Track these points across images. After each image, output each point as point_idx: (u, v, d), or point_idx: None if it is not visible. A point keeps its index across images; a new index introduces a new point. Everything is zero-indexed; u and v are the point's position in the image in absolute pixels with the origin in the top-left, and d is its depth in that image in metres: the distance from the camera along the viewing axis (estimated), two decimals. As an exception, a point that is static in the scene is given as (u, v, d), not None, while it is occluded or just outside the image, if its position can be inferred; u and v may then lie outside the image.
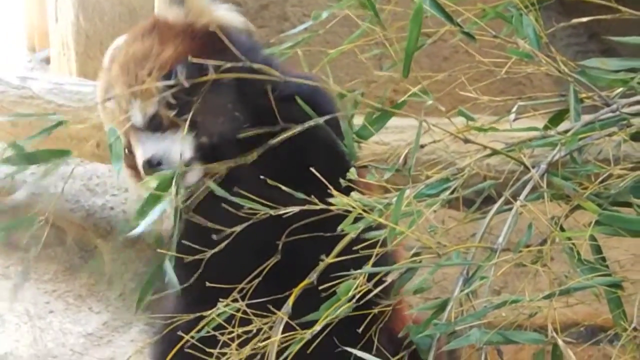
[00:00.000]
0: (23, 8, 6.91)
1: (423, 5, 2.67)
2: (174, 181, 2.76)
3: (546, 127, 2.86)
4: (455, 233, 3.50)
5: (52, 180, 5.08)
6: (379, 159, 2.92)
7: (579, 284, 2.43)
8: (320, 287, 2.59)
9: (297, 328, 2.54)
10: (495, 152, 2.72)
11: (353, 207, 2.55)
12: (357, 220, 2.58)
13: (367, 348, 2.55)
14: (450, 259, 2.57)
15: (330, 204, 2.57)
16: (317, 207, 2.60)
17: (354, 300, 2.53)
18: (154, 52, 2.90)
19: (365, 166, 2.88)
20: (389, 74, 2.85)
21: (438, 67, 4.81)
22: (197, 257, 2.72)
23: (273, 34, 3.19)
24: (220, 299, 2.64)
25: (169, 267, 2.69)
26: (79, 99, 4.90)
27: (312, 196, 2.61)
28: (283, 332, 2.55)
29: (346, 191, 2.61)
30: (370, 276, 2.54)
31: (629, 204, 2.57)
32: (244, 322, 2.60)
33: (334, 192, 2.57)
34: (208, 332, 2.61)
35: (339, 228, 2.60)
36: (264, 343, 2.54)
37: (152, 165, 2.85)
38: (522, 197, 2.61)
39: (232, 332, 2.57)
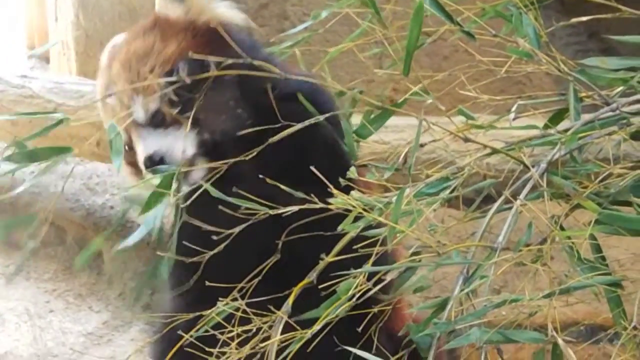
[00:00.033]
0: (23, 7, 6.91)
1: (423, 4, 2.67)
2: (174, 179, 2.77)
3: (546, 126, 2.86)
4: (455, 232, 3.50)
5: (52, 179, 5.09)
6: (378, 158, 2.92)
7: (578, 283, 2.43)
8: (320, 286, 2.59)
9: (297, 327, 2.54)
10: (495, 151, 2.72)
11: (353, 206, 2.55)
12: (357, 219, 2.58)
13: (366, 347, 2.55)
14: (450, 258, 2.57)
15: (331, 203, 2.57)
16: (317, 207, 2.60)
17: (354, 300, 2.53)
18: (155, 49, 2.90)
19: (365, 165, 2.88)
20: (389, 72, 2.85)
21: (438, 66, 4.81)
22: (196, 258, 2.72)
23: (273, 33, 3.19)
24: (220, 298, 2.64)
25: (164, 268, 2.69)
26: (79, 98, 4.90)
27: (313, 194, 2.61)
28: (283, 332, 2.55)
29: (346, 190, 2.61)
30: (370, 275, 2.54)
31: (628, 203, 2.57)
32: (244, 321, 2.60)
33: (334, 192, 2.57)
34: (207, 331, 2.61)
35: (339, 227, 2.60)
36: (264, 344, 2.54)
37: (154, 161, 2.85)
38: (522, 196, 2.61)
39: (232, 331, 2.57)
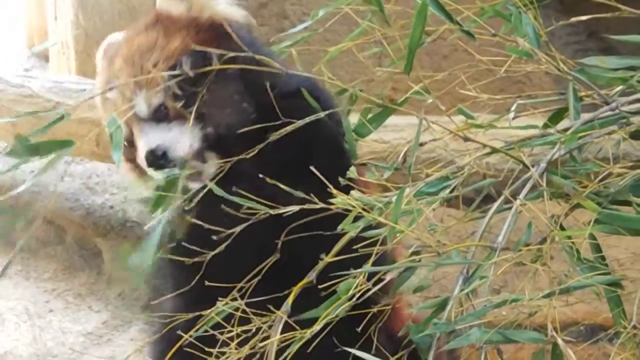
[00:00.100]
0: (22, 7, 6.90)
1: (427, 2, 2.67)
2: (181, 178, 2.77)
3: (546, 126, 2.86)
4: (454, 232, 3.50)
5: (52, 178, 5.10)
6: (378, 158, 2.92)
7: (578, 283, 2.43)
8: (320, 287, 2.59)
9: (297, 327, 2.54)
10: (494, 151, 2.72)
11: (353, 206, 2.54)
12: (356, 219, 2.58)
13: (366, 347, 2.55)
14: (449, 257, 2.57)
15: (331, 202, 2.57)
16: (318, 206, 2.60)
17: (354, 300, 2.53)
18: (158, 44, 2.90)
19: (364, 164, 2.88)
20: (389, 70, 2.85)
21: (437, 65, 4.81)
22: (197, 258, 2.71)
23: (273, 32, 3.19)
24: (220, 298, 2.64)
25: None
26: (78, 97, 4.90)
27: (316, 190, 2.60)
28: (282, 332, 2.55)
29: (348, 188, 2.61)
30: (370, 275, 2.54)
31: (628, 203, 2.57)
32: (244, 321, 2.60)
33: (334, 192, 2.57)
34: (207, 331, 2.61)
35: (339, 227, 2.60)
36: (263, 343, 2.54)
37: (156, 156, 2.85)
38: (521, 195, 2.61)
39: (232, 331, 2.57)
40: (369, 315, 2.62)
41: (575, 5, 3.12)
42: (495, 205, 2.64)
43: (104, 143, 4.47)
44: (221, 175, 2.81)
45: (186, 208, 2.78)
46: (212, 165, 2.86)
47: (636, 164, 2.64)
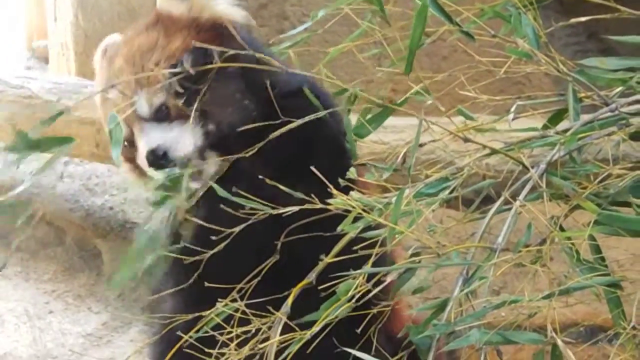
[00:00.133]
0: (22, 8, 6.90)
1: (427, 3, 2.67)
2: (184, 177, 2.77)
3: (545, 127, 2.86)
4: (454, 233, 3.50)
5: (52, 180, 5.10)
6: (377, 158, 2.93)
7: (578, 284, 2.43)
8: (320, 287, 2.59)
9: (296, 328, 2.53)
10: (494, 152, 2.72)
11: (353, 207, 2.54)
12: (356, 219, 2.57)
13: (365, 348, 2.55)
14: (449, 258, 2.57)
15: (333, 200, 2.57)
16: (317, 206, 2.60)
17: (353, 301, 2.53)
18: (159, 44, 2.91)
19: (363, 164, 2.88)
20: (389, 70, 2.85)
21: (437, 66, 4.81)
22: (196, 257, 2.71)
23: (272, 33, 3.19)
24: (219, 299, 2.64)
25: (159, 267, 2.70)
26: (78, 98, 4.90)
27: (317, 190, 2.60)
28: (282, 333, 2.55)
29: (349, 187, 2.61)
30: (370, 276, 2.54)
31: (628, 204, 2.57)
32: (243, 322, 2.60)
33: (334, 192, 2.56)
34: (207, 332, 2.61)
35: (339, 228, 2.60)
36: (263, 344, 2.54)
37: (157, 156, 2.84)
38: (521, 197, 2.60)
39: (231, 332, 2.57)
40: (369, 317, 2.62)
41: (575, 6, 3.12)
42: (495, 206, 2.64)
43: (104, 144, 4.48)
44: (225, 172, 2.81)
45: (189, 208, 2.78)
46: (213, 163, 2.86)
47: (636, 165, 2.64)
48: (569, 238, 2.52)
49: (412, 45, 2.70)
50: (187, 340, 2.63)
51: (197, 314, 2.64)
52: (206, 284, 2.67)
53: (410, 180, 2.66)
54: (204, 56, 2.80)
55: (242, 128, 2.81)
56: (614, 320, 2.51)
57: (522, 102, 2.94)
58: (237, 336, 2.56)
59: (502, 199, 2.65)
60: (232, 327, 2.58)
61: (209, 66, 2.80)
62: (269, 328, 2.57)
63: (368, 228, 2.58)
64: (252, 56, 2.78)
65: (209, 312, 2.62)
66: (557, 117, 2.92)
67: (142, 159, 2.90)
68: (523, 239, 2.53)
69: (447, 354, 2.64)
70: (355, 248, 2.58)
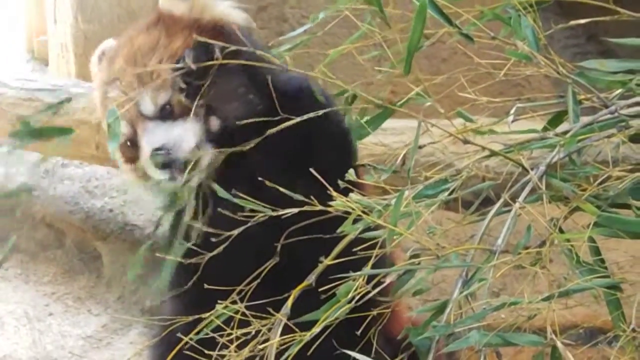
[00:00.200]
0: (22, 9, 6.91)
1: (426, 3, 2.67)
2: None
3: (545, 129, 2.86)
4: (454, 235, 3.50)
5: (51, 181, 5.10)
6: (377, 160, 2.93)
7: (578, 286, 2.43)
8: (320, 289, 2.59)
9: (296, 330, 2.53)
10: (493, 154, 2.72)
11: (352, 209, 2.54)
12: (356, 221, 2.57)
13: (365, 350, 2.54)
14: (449, 260, 2.57)
15: (331, 204, 2.57)
16: (317, 208, 2.60)
17: (353, 302, 2.53)
18: (161, 43, 2.91)
19: (362, 165, 2.89)
20: (389, 70, 2.85)
21: (437, 68, 4.82)
22: (196, 259, 2.72)
23: (272, 36, 3.19)
24: (219, 301, 2.64)
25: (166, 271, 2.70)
26: (78, 100, 4.90)
27: (322, 185, 2.59)
28: (282, 334, 2.55)
29: (351, 187, 2.61)
30: (369, 278, 2.54)
31: (627, 206, 2.57)
32: (243, 324, 2.60)
33: (334, 194, 2.56)
34: (207, 334, 2.61)
35: (338, 229, 2.60)
36: (262, 346, 2.54)
37: (162, 154, 2.83)
38: (520, 198, 2.60)
39: (231, 334, 2.57)
40: (369, 318, 2.62)
41: (575, 9, 3.11)
42: (495, 208, 2.64)
43: (104, 146, 4.47)
44: (231, 169, 2.81)
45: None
46: (207, 155, 2.85)
47: (635, 167, 2.64)
48: (568, 240, 2.52)
49: (411, 46, 2.70)
50: (187, 343, 2.63)
51: (197, 316, 2.64)
52: (206, 286, 2.67)
53: (409, 182, 2.66)
54: (206, 52, 2.80)
55: (247, 121, 2.79)
56: (613, 322, 2.50)
57: (521, 105, 2.94)
58: (237, 338, 2.56)
59: (501, 200, 2.65)
60: (232, 329, 2.57)
61: (211, 62, 2.79)
62: (269, 330, 2.57)
63: (368, 230, 2.58)
64: (253, 54, 2.79)
65: (209, 314, 2.62)
66: (556, 119, 2.92)
67: (145, 159, 2.90)
68: (522, 241, 2.53)
69: (446, 356, 2.63)
70: (355, 250, 2.58)
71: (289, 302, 2.62)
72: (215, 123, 2.88)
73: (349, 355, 2.47)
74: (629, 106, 2.79)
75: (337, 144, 2.89)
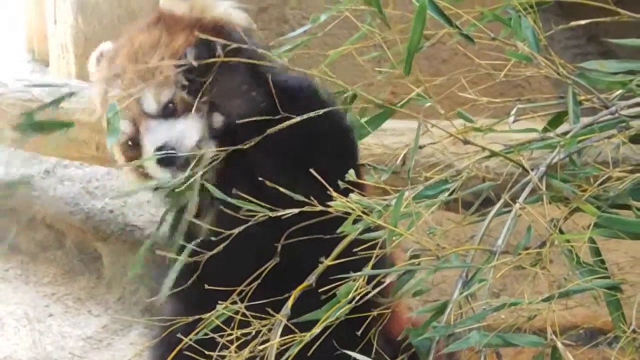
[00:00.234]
0: (22, 10, 6.91)
1: (426, 3, 2.67)
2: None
3: (545, 130, 2.86)
4: (454, 235, 3.49)
5: (52, 182, 5.10)
6: (377, 161, 2.93)
7: (578, 287, 2.43)
8: (320, 290, 2.59)
9: (296, 331, 2.53)
10: (494, 154, 2.72)
11: (352, 209, 2.54)
12: (356, 221, 2.57)
13: (365, 350, 2.54)
14: (449, 261, 2.57)
15: (331, 204, 2.57)
16: (318, 209, 2.60)
17: (353, 303, 2.53)
18: (162, 41, 2.91)
19: (362, 165, 2.89)
20: (389, 70, 2.85)
21: (437, 69, 4.81)
22: (196, 258, 2.72)
23: (273, 37, 3.19)
24: (220, 301, 2.64)
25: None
26: (78, 100, 4.90)
27: (327, 182, 2.59)
28: (282, 335, 2.55)
29: (353, 186, 2.61)
30: (370, 278, 2.54)
31: (628, 207, 2.57)
32: (243, 324, 2.60)
33: (334, 194, 2.56)
34: (207, 334, 2.60)
35: (339, 230, 2.60)
36: (262, 346, 2.53)
37: (165, 152, 2.82)
38: (521, 199, 2.60)
39: (231, 334, 2.57)
40: (369, 319, 2.62)
41: (575, 9, 3.11)
42: (495, 208, 2.64)
43: (104, 147, 4.47)
44: (234, 167, 2.81)
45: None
46: (210, 153, 2.85)
47: (636, 168, 2.64)
48: (568, 241, 2.52)
49: (411, 47, 2.70)
50: (187, 343, 2.63)
51: (197, 317, 2.64)
52: (206, 286, 2.67)
53: (410, 182, 2.66)
54: (208, 49, 2.80)
55: (251, 119, 2.79)
56: (614, 323, 2.50)
57: (522, 105, 2.94)
58: (237, 338, 2.56)
59: (501, 201, 2.65)
60: (232, 329, 2.57)
61: (213, 59, 2.79)
62: (269, 330, 2.57)
63: (368, 230, 2.58)
64: (254, 52, 2.79)
65: (209, 314, 2.62)
66: (557, 119, 2.92)
67: (147, 157, 2.89)
68: (523, 242, 2.53)
69: (446, 356, 2.63)
70: (355, 250, 2.58)
71: (289, 303, 2.62)
72: (218, 120, 2.88)
73: (349, 356, 2.47)
74: (629, 107, 2.79)
75: (340, 142, 2.89)
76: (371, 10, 2.85)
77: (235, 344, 2.55)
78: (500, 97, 2.96)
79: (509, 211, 2.61)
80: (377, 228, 2.56)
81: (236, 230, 2.68)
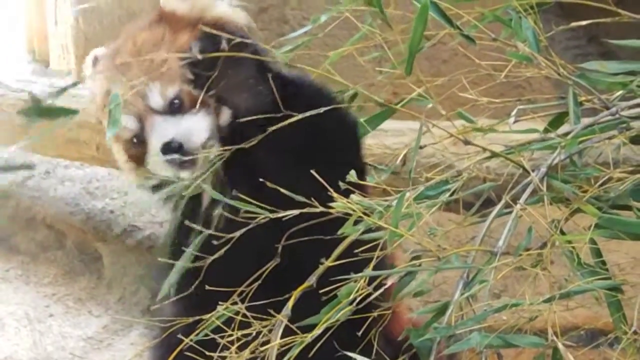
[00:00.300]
0: (22, 11, 6.91)
1: (428, 3, 2.67)
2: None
3: (546, 130, 2.86)
4: (454, 236, 3.50)
5: (52, 183, 5.10)
6: (377, 161, 2.93)
7: (579, 288, 2.43)
8: (321, 291, 2.59)
9: (297, 331, 2.53)
10: (494, 155, 2.72)
11: (353, 210, 2.54)
12: (357, 222, 2.57)
13: (365, 351, 2.54)
14: (450, 262, 2.57)
15: (332, 205, 2.57)
16: (318, 210, 2.60)
17: (354, 304, 2.53)
18: (166, 39, 2.90)
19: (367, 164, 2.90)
20: (390, 70, 2.85)
21: (437, 69, 4.81)
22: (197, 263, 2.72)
23: (273, 37, 3.19)
24: (220, 302, 2.64)
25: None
26: (78, 101, 4.90)
27: (333, 178, 2.59)
28: (283, 336, 2.55)
29: (356, 186, 2.62)
30: (371, 279, 2.54)
31: (628, 207, 2.57)
32: (244, 325, 2.60)
33: (335, 195, 2.56)
34: (207, 335, 2.60)
35: (339, 231, 2.60)
36: (263, 347, 2.53)
37: (172, 149, 2.82)
38: (522, 200, 2.61)
39: (232, 335, 2.57)
40: (369, 320, 2.62)
41: (575, 10, 3.11)
42: (496, 209, 2.64)
43: (104, 147, 4.47)
44: (241, 162, 2.81)
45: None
46: (217, 148, 2.84)
47: (636, 169, 2.64)
48: (569, 242, 2.52)
49: (412, 47, 2.70)
50: (187, 344, 2.63)
51: (197, 317, 2.64)
52: (207, 287, 2.67)
53: (410, 183, 2.66)
54: (212, 44, 2.79)
55: (259, 116, 2.79)
56: (614, 324, 2.50)
57: (522, 106, 2.94)
58: (238, 339, 2.56)
59: (502, 202, 2.65)
60: (233, 330, 2.57)
61: (219, 54, 2.78)
62: (270, 331, 2.57)
63: (369, 231, 2.58)
64: (258, 48, 2.79)
65: (209, 315, 2.61)
66: (557, 120, 2.92)
67: (153, 155, 2.88)
68: (524, 243, 2.53)
69: (447, 357, 2.64)
70: (356, 251, 2.58)
71: (290, 304, 2.62)
72: (226, 113, 2.87)
73: (350, 357, 2.47)
74: (630, 107, 2.79)
75: (346, 137, 2.89)
76: (372, 11, 2.85)
77: (236, 345, 2.55)
78: (501, 97, 2.96)
79: (510, 212, 2.61)
80: (378, 229, 2.56)
81: (237, 233, 2.67)
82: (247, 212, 2.64)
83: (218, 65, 2.80)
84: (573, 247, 2.52)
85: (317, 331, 2.51)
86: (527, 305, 2.40)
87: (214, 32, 2.78)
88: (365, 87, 2.92)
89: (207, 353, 2.59)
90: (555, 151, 2.69)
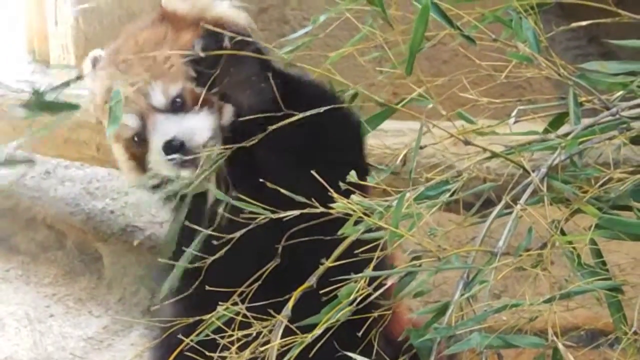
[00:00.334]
0: (22, 11, 6.91)
1: (429, 4, 2.67)
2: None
3: (546, 131, 2.86)
4: (454, 237, 3.50)
5: (52, 183, 5.10)
6: (377, 161, 2.93)
7: (579, 288, 2.43)
8: (321, 291, 2.59)
9: (297, 332, 2.53)
10: (494, 155, 2.72)
11: (354, 210, 2.54)
12: (357, 222, 2.57)
13: (365, 351, 2.54)
14: (450, 262, 2.57)
15: (333, 206, 2.57)
16: (319, 210, 2.60)
17: (354, 304, 2.53)
18: (169, 37, 2.90)
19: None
20: (390, 70, 2.85)
21: (438, 70, 4.81)
22: (197, 264, 2.72)
23: (273, 37, 3.19)
24: (221, 302, 2.64)
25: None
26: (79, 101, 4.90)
27: (337, 175, 2.59)
28: (283, 336, 2.55)
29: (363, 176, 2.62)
30: (371, 279, 2.54)
31: (629, 208, 2.57)
32: (244, 325, 2.60)
33: (336, 196, 2.56)
34: (208, 335, 2.60)
35: (339, 232, 2.60)
36: (263, 347, 2.53)
37: (174, 147, 2.81)
38: (522, 200, 2.61)
39: (232, 335, 2.57)
40: (370, 320, 2.62)
41: (576, 11, 3.11)
42: (496, 210, 2.64)
43: (105, 148, 4.47)
44: (244, 159, 2.80)
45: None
46: (219, 147, 2.84)
47: (636, 169, 2.64)
48: (569, 242, 2.52)
49: (413, 47, 2.70)
50: (187, 344, 2.63)
51: (197, 318, 2.64)
52: (207, 287, 2.67)
53: (411, 183, 2.66)
54: (215, 41, 2.79)
55: (259, 115, 2.78)
56: (615, 324, 2.50)
57: (523, 106, 2.94)
58: (238, 340, 2.56)
59: (502, 202, 2.65)
60: (233, 330, 2.57)
61: (221, 51, 2.78)
62: (270, 331, 2.57)
63: (369, 231, 2.58)
64: (259, 46, 2.80)
65: (210, 315, 2.61)
66: (557, 121, 2.92)
67: (154, 153, 2.88)
68: (524, 243, 2.53)
69: (447, 358, 2.64)
70: (356, 251, 2.58)
71: (290, 304, 2.62)
72: (228, 112, 2.86)
73: (350, 357, 2.47)
74: (630, 108, 2.79)
75: (348, 135, 2.89)
76: (372, 11, 2.85)
77: (236, 345, 2.55)
78: (501, 98, 2.96)
79: (510, 212, 2.61)
80: (378, 229, 2.56)
81: (238, 234, 2.67)
82: (247, 212, 2.64)
83: (220, 64, 2.80)
84: (573, 248, 2.52)
85: (317, 331, 2.51)
86: (527, 306, 2.40)
87: (217, 30, 2.78)
88: (366, 87, 2.92)
89: (208, 353, 2.59)
90: (556, 151, 2.69)
